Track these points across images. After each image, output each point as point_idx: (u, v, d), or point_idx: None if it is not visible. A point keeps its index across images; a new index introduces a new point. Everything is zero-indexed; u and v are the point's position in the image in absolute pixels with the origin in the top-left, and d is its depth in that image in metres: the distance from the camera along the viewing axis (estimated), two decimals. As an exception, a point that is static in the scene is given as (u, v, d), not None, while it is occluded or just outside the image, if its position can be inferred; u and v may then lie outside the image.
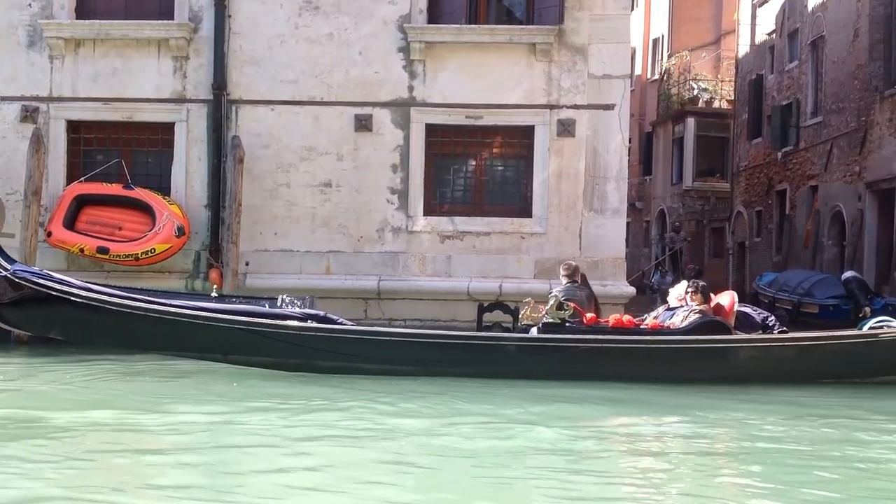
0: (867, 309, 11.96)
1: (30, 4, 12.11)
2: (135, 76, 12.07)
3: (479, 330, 9.47)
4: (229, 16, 11.97)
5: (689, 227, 28.03)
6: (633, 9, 20.87)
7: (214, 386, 8.41)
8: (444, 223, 12.02)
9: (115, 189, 11.81)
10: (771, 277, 19.67)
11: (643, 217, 31.85)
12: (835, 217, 20.59)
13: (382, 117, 12.01)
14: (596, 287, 11.73)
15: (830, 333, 9.76)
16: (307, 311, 9.04)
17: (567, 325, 8.83)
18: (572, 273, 9.56)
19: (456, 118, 11.99)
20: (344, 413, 7.27)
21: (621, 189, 11.87)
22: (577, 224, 11.85)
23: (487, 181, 12.20)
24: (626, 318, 9.07)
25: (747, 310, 9.63)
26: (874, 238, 18.80)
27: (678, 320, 9.07)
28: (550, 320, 8.85)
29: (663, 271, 22.33)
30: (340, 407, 7.50)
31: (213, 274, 11.77)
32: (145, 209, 11.67)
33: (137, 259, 11.52)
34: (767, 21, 24.95)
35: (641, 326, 9.07)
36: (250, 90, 12.04)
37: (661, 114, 30.75)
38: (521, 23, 12.18)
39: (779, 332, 9.44)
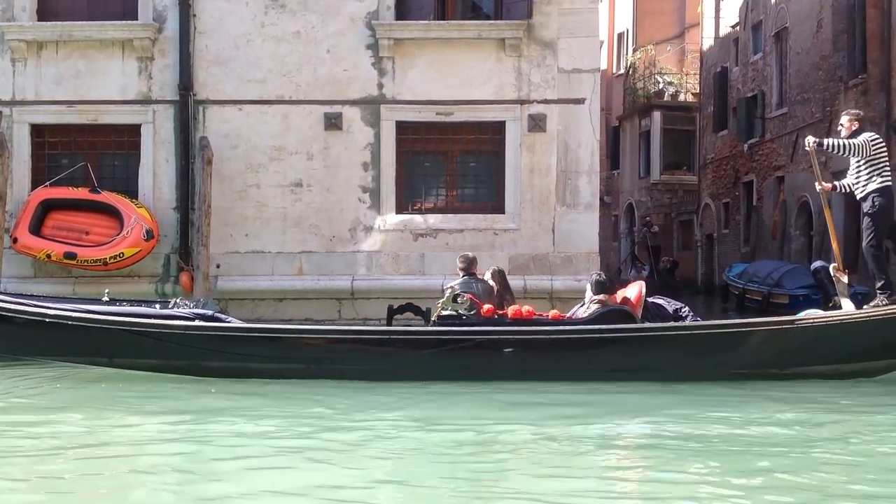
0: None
1: (-11, 7, 11.88)
2: (99, 78, 11.86)
3: None
4: (194, 15, 11.80)
5: (657, 219, 28.18)
6: (598, 3, 20.84)
7: (186, 392, 8.14)
8: (416, 221, 11.93)
9: (81, 193, 11.59)
10: (740, 268, 19.82)
11: (611, 211, 31.98)
12: (802, 207, 20.78)
13: (352, 115, 11.91)
14: (569, 282, 11.77)
15: (743, 321, 9.18)
16: (195, 310, 8.66)
17: (464, 317, 8.46)
18: (468, 265, 9.22)
19: (426, 115, 11.91)
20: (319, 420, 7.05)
21: (593, 183, 11.85)
22: (550, 219, 11.81)
23: (459, 178, 12.14)
24: (526, 308, 8.72)
25: (660, 301, 9.12)
26: (841, 227, 18.95)
27: (581, 312, 8.83)
28: (447, 313, 8.49)
29: (640, 265, 22.34)
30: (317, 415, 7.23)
31: (184, 277, 11.60)
32: (113, 213, 11.47)
33: (106, 264, 11.33)
34: (731, 14, 25.13)
35: (542, 317, 8.66)
36: (217, 90, 11.88)
37: (628, 108, 30.91)
38: (489, 18, 12.12)
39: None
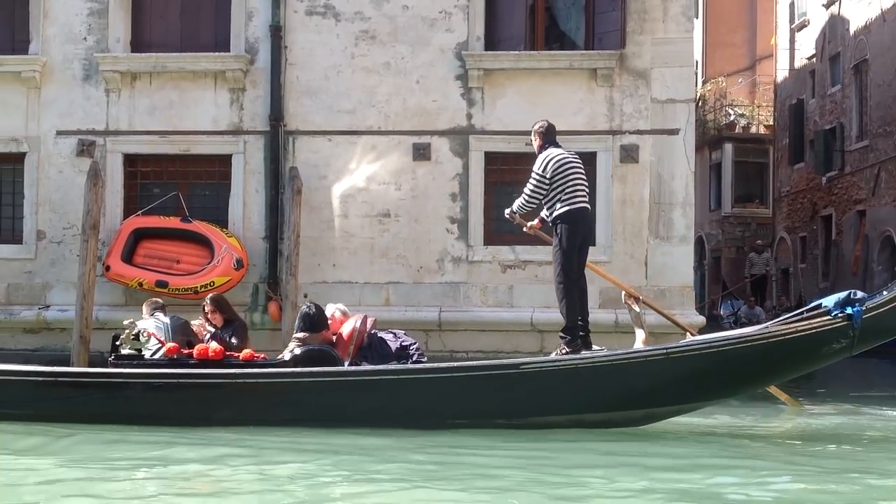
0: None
1: (85, 38, 12.06)
2: (191, 109, 11.97)
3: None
4: (285, 47, 11.88)
5: (728, 252, 27.64)
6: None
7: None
8: (504, 252, 11.79)
9: (172, 222, 11.68)
10: (823, 304, 19.30)
11: (680, 244, 31.58)
12: (885, 242, 20.29)
13: (441, 146, 11.86)
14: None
15: (456, 364, 8.13)
16: None
17: (144, 357, 7.70)
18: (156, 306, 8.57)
19: (515, 145, 11.76)
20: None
21: (688, 215, 11.61)
22: (643, 252, 11.60)
23: (549, 209, 11.97)
24: (213, 348, 7.73)
25: (387, 336, 8.02)
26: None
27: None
28: (126, 352, 7.72)
29: (750, 301, 20.67)
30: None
31: (272, 307, 11.60)
32: (203, 242, 11.53)
33: (196, 292, 11.33)
34: (807, 45, 24.78)
35: (232, 358, 7.72)
36: (307, 121, 11.92)
37: (698, 140, 30.41)
38: (579, 48, 12.02)
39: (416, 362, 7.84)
